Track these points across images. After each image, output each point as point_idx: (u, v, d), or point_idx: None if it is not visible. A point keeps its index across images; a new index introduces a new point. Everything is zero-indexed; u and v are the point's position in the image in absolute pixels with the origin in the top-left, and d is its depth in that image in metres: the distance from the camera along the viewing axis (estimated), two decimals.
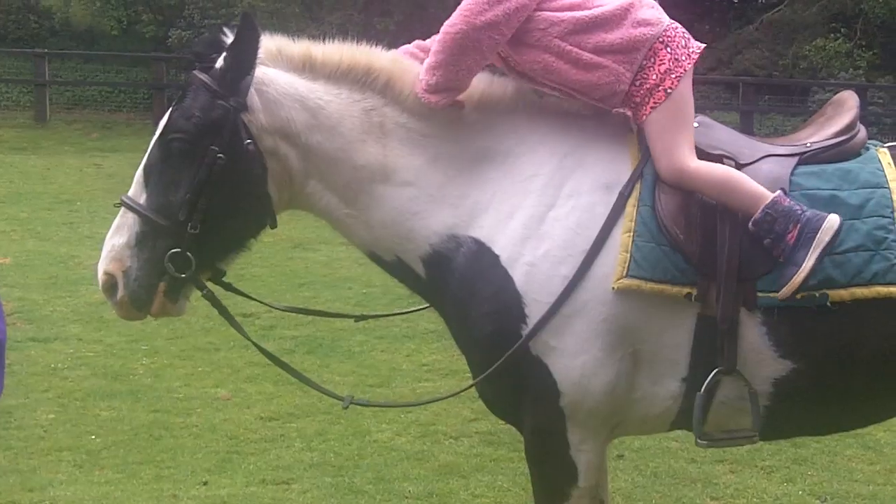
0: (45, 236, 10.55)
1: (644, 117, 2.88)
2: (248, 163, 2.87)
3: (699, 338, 2.83)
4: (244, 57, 2.85)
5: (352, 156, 2.94)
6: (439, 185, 2.94)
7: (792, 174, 2.90)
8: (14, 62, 23.18)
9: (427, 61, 2.92)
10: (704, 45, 2.96)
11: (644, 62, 2.87)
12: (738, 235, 2.80)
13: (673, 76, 2.86)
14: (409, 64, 3.01)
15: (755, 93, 19.53)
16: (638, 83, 2.88)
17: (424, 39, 3.12)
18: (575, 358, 2.82)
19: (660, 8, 2.94)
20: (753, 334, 2.82)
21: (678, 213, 2.82)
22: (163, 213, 2.85)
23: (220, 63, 2.87)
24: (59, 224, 11.19)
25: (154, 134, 2.93)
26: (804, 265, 2.71)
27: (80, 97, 22.46)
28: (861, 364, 2.85)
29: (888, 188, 2.88)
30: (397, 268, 3.03)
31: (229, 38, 2.89)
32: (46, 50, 21.63)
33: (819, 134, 3.02)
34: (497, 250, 2.87)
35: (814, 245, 2.71)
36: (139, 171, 2.92)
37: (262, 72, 2.90)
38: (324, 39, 3.03)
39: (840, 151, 2.97)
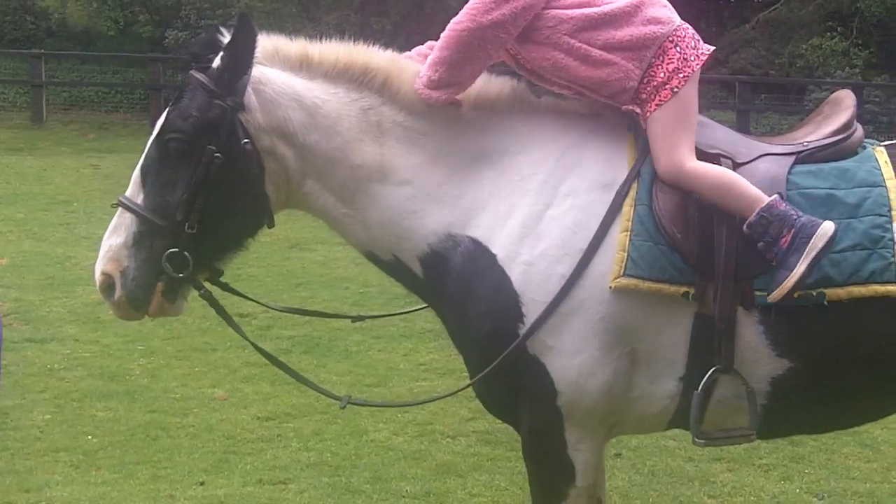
0: (41, 237, 10.54)
1: (648, 114, 2.88)
2: (245, 162, 2.87)
3: (696, 337, 2.83)
4: (241, 56, 2.85)
5: (349, 155, 2.94)
6: (437, 184, 2.94)
7: (789, 173, 2.90)
8: (10, 63, 23.16)
9: (431, 57, 2.92)
10: (714, 47, 2.97)
11: (653, 60, 2.88)
12: (735, 235, 2.80)
13: (681, 75, 2.87)
14: (407, 63, 3.01)
15: (751, 92, 19.53)
16: (645, 80, 2.88)
17: (421, 39, 3.12)
18: (572, 357, 2.82)
19: (671, 7, 2.95)
20: (751, 333, 2.82)
21: (676, 212, 2.82)
22: (160, 212, 2.85)
23: (216, 63, 2.87)
24: (55, 225, 11.18)
25: (151, 134, 2.93)
26: (795, 270, 2.71)
27: (77, 98, 22.44)
28: (858, 362, 2.86)
29: (885, 187, 2.88)
30: (395, 267, 3.03)
31: (226, 38, 2.89)
32: (43, 51, 21.60)
33: (816, 133, 3.02)
34: (494, 249, 2.87)
35: (807, 250, 2.71)
36: (136, 172, 2.91)
37: (259, 71, 2.90)
38: (320, 39, 3.02)
39: (837, 150, 2.97)
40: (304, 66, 2.96)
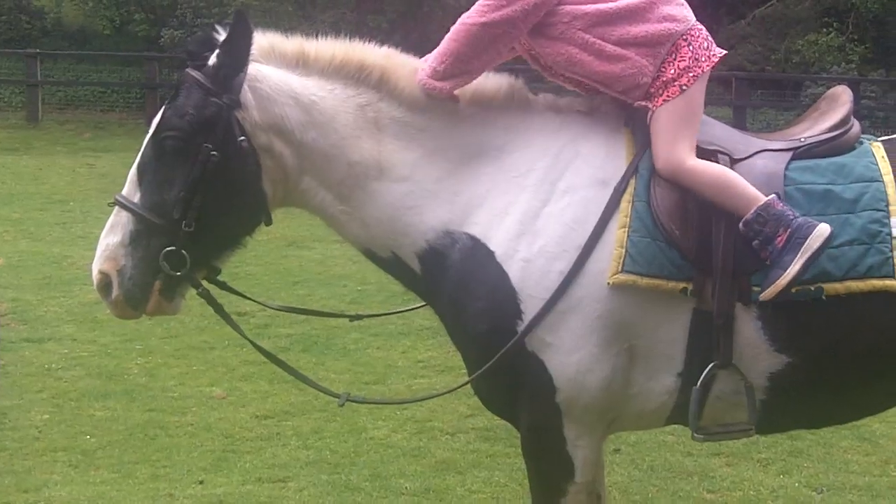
0: (38, 237, 10.53)
1: (654, 109, 2.89)
2: (242, 160, 2.86)
3: (695, 333, 2.83)
4: (237, 54, 2.84)
5: (346, 152, 2.93)
6: (435, 180, 2.94)
7: (786, 169, 2.90)
8: (6, 63, 23.11)
9: (438, 48, 2.92)
10: (725, 52, 2.98)
11: (666, 56, 2.89)
12: (733, 231, 2.81)
13: (690, 74, 2.88)
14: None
15: (748, 87, 19.54)
16: (656, 75, 2.89)
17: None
18: (571, 354, 2.82)
19: (687, 6, 2.96)
20: (749, 328, 2.83)
21: (674, 208, 2.82)
22: (157, 211, 2.84)
23: (212, 60, 2.87)
24: (51, 224, 11.16)
25: (147, 133, 2.92)
26: (789, 269, 2.71)
27: (73, 97, 22.41)
28: (856, 357, 2.86)
29: (882, 182, 2.88)
30: (393, 264, 3.02)
31: (222, 36, 2.89)
32: (38, 50, 21.56)
33: (813, 129, 3.02)
34: (492, 246, 2.87)
35: (802, 251, 2.71)
36: (133, 170, 2.91)
37: (255, 68, 2.89)
38: (317, 37, 3.02)
39: (834, 146, 2.98)
40: (301, 64, 2.96)
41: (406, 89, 2.94)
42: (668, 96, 2.87)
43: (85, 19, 24.91)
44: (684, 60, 2.89)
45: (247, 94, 2.87)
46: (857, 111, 3.10)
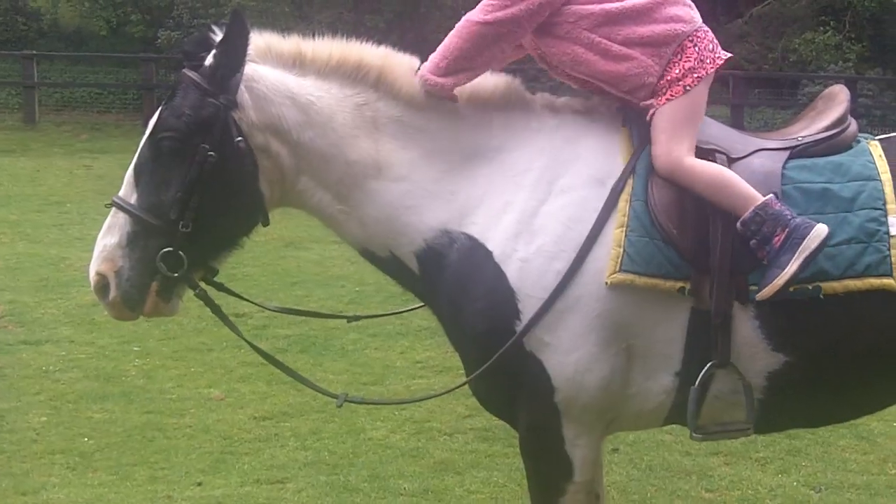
0: (35, 238, 10.51)
1: (657, 107, 2.89)
2: (239, 160, 2.86)
3: (692, 332, 2.83)
4: (234, 54, 2.84)
5: (344, 151, 2.93)
6: (433, 179, 2.94)
7: (784, 168, 2.90)
8: (2, 64, 23.08)
9: (441, 45, 2.92)
10: (730, 55, 2.98)
11: (671, 57, 2.89)
12: (730, 230, 2.81)
13: (695, 75, 2.89)
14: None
15: (745, 86, 19.55)
16: (661, 75, 2.89)
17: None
18: (569, 354, 2.82)
19: (693, 6, 2.96)
20: (747, 327, 2.83)
21: (671, 207, 2.82)
22: (154, 212, 2.84)
23: (209, 61, 2.86)
24: (49, 226, 11.15)
25: (144, 134, 2.92)
26: (787, 269, 2.71)
27: (70, 99, 22.38)
28: (854, 356, 2.86)
29: (880, 180, 2.88)
30: (391, 264, 3.02)
31: (218, 36, 2.88)
32: (35, 52, 21.53)
33: (810, 128, 3.03)
34: (490, 246, 2.86)
35: (799, 251, 2.71)
36: (129, 171, 2.90)
37: (251, 69, 2.89)
38: (313, 37, 3.02)
39: (831, 145, 2.98)
40: (297, 64, 2.95)
41: (404, 88, 2.94)
42: (671, 95, 2.88)
43: (81, 20, 24.89)
44: (689, 61, 2.89)
45: (243, 95, 2.87)
46: (854, 109, 3.11)
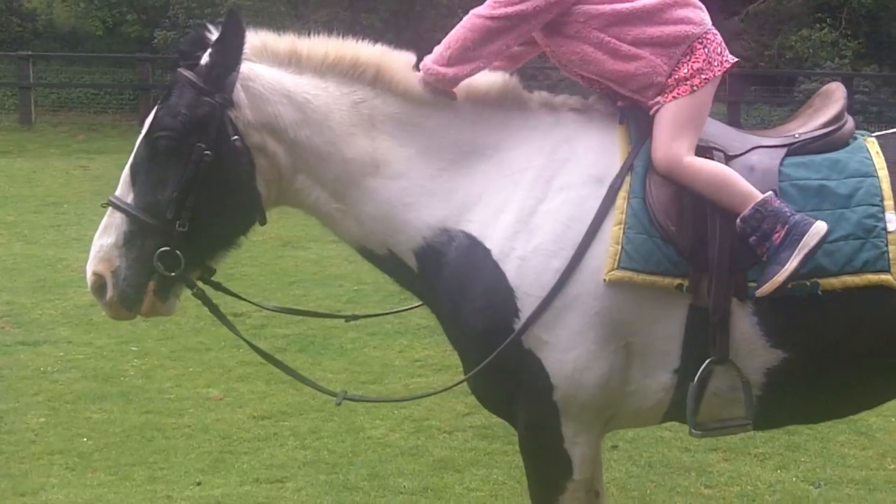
0: (32, 239, 10.50)
1: (663, 104, 2.89)
2: (235, 159, 2.86)
3: (691, 329, 2.83)
4: (229, 53, 2.84)
5: (341, 149, 2.93)
6: (430, 177, 2.94)
7: (781, 165, 2.91)
8: None
9: (446, 37, 2.92)
10: (737, 59, 2.99)
11: (680, 57, 2.90)
12: (729, 227, 2.81)
13: (703, 76, 2.90)
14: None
15: (742, 84, 19.54)
16: (669, 74, 2.90)
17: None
18: (568, 352, 2.82)
19: (704, 9, 2.97)
20: (745, 324, 2.83)
21: (669, 204, 2.83)
22: (150, 211, 2.84)
23: (205, 60, 2.86)
24: (46, 227, 11.13)
25: (140, 134, 2.91)
26: (787, 265, 2.72)
27: (66, 99, 22.34)
28: (852, 352, 2.86)
29: (877, 177, 2.89)
30: (389, 262, 3.02)
31: (214, 35, 2.88)
32: (30, 52, 21.50)
33: (807, 125, 3.03)
34: (488, 245, 2.86)
35: (799, 247, 2.72)
36: (126, 171, 2.90)
37: (247, 67, 2.88)
38: (309, 35, 3.02)
39: (828, 142, 2.98)
40: (293, 62, 2.95)
41: (401, 86, 2.94)
42: (678, 94, 2.89)
43: (77, 21, 24.85)
44: (698, 62, 2.91)
45: (239, 94, 2.87)
46: (850, 106, 3.11)
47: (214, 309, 3.07)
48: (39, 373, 6.45)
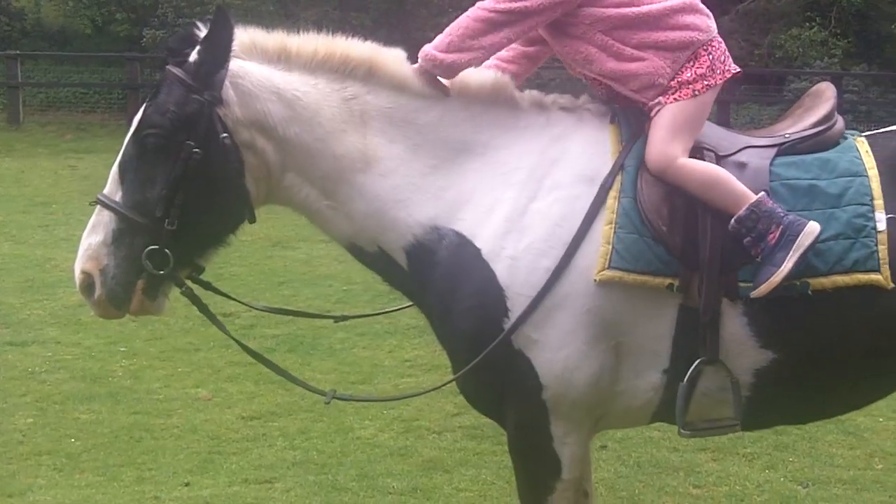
0: (20, 239, 10.45)
1: (663, 104, 2.89)
2: (224, 157, 2.84)
3: (681, 329, 2.83)
4: (218, 50, 2.82)
5: (331, 145, 2.91)
6: (421, 174, 2.93)
7: (771, 164, 2.91)
8: None
9: (449, 27, 2.92)
10: (740, 69, 3.00)
11: (684, 62, 2.91)
12: (720, 227, 2.81)
13: (705, 82, 2.92)
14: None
15: (731, 82, 19.51)
16: (672, 76, 2.90)
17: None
18: (558, 351, 2.81)
19: (711, 17, 2.98)
20: (735, 324, 2.83)
21: (660, 204, 2.82)
22: (139, 209, 2.82)
23: (193, 57, 2.84)
24: (34, 227, 11.09)
25: (128, 131, 2.90)
26: (783, 266, 2.72)
27: (54, 99, 22.26)
28: (842, 352, 2.87)
29: (867, 176, 2.89)
30: (379, 260, 3.01)
31: (203, 33, 2.87)
32: (18, 51, 21.41)
33: (797, 125, 3.04)
34: (479, 244, 2.86)
35: (794, 248, 2.72)
36: (114, 168, 2.88)
37: (236, 64, 2.87)
38: (298, 33, 3.00)
39: (818, 141, 2.99)
40: (283, 59, 2.94)
41: (394, 81, 2.93)
42: (679, 96, 2.89)
43: (65, 20, 24.76)
44: (702, 68, 2.92)
45: (228, 91, 2.85)
46: (839, 105, 3.12)
47: (203, 308, 3.06)
48: (27, 373, 6.42)
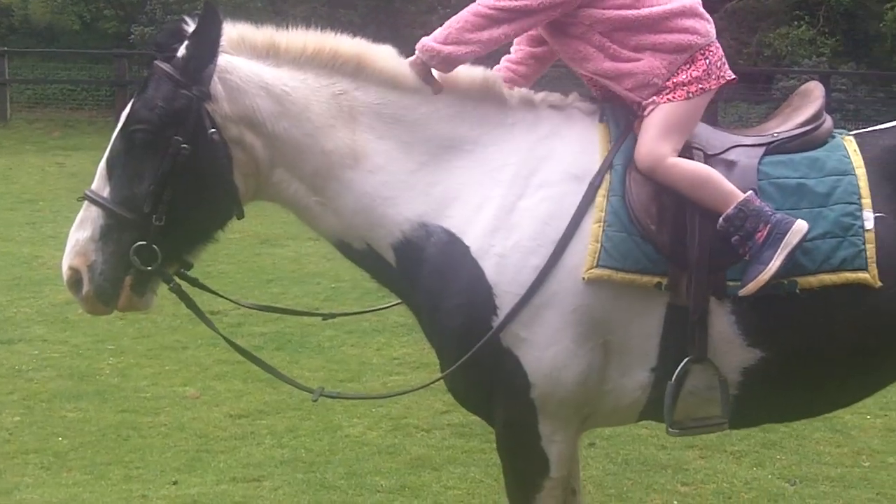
0: (7, 237, 10.41)
1: (657, 103, 2.89)
2: (212, 153, 2.83)
3: (669, 328, 2.83)
4: (206, 45, 2.81)
5: (320, 141, 2.90)
6: (410, 171, 2.92)
7: (760, 163, 2.91)
8: None
9: (448, 20, 2.91)
10: (735, 77, 3.00)
11: (681, 64, 2.91)
12: (708, 225, 2.81)
13: (700, 85, 2.91)
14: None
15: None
16: (667, 77, 2.90)
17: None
18: (546, 349, 2.81)
19: (711, 22, 2.98)
20: (723, 323, 2.83)
21: (649, 202, 2.83)
22: (127, 205, 2.81)
23: (181, 52, 2.83)
24: (21, 224, 11.04)
25: (116, 126, 2.88)
26: (771, 264, 2.72)
27: (42, 95, 22.17)
28: (829, 351, 2.87)
29: (855, 175, 2.90)
30: (367, 257, 3.00)
31: (191, 28, 2.85)
32: (6, 48, 21.30)
33: (786, 124, 3.04)
34: (467, 241, 2.85)
35: (782, 246, 2.73)
36: (102, 164, 2.87)
37: (225, 60, 2.86)
38: (287, 29, 2.99)
39: (807, 140, 3.00)
40: (271, 54, 2.93)
41: (384, 76, 2.93)
42: (673, 97, 2.90)
43: (53, 16, 24.63)
44: (698, 71, 2.92)
45: (217, 86, 2.84)
46: (827, 104, 3.12)
47: (191, 305, 3.05)
48: (14, 371, 6.39)
